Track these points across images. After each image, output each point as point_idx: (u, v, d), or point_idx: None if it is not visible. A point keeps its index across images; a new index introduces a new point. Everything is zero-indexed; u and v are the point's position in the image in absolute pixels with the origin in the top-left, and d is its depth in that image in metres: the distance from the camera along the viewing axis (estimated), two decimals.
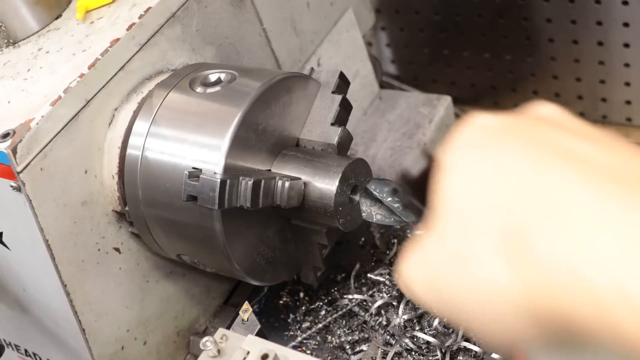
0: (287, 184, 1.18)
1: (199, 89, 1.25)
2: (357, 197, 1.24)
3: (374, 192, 1.24)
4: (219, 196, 1.10)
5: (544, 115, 0.63)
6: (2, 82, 1.30)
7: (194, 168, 1.16)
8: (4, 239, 1.27)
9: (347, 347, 1.35)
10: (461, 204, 0.58)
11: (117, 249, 1.32)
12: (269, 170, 1.25)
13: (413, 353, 1.25)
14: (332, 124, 1.28)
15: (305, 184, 1.21)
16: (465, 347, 1.23)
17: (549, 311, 0.51)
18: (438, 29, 2.22)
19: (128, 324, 1.38)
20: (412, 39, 2.29)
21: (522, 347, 0.56)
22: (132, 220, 1.29)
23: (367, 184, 1.25)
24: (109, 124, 1.28)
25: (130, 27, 1.29)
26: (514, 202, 0.55)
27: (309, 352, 1.38)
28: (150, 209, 1.25)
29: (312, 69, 1.32)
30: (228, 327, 1.28)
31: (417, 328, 1.28)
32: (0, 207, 1.22)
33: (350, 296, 1.40)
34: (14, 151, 1.14)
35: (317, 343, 1.39)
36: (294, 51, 1.70)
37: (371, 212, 1.26)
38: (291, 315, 1.46)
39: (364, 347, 1.33)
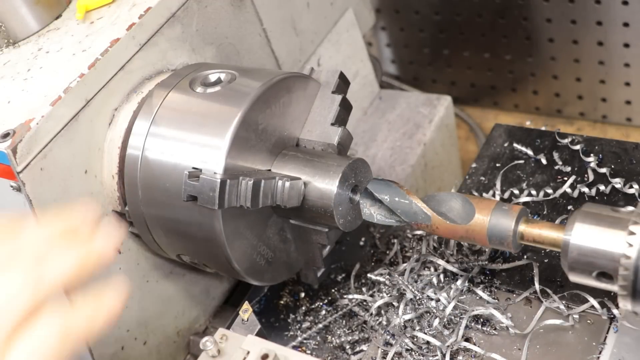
0: (287, 184, 1.18)
1: (199, 89, 1.25)
2: (357, 197, 1.24)
3: (374, 193, 1.24)
4: (219, 196, 1.10)
5: None
6: (2, 82, 1.30)
7: (194, 168, 1.16)
8: None
9: (347, 347, 1.35)
10: None
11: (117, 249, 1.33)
12: (269, 170, 1.25)
13: (413, 353, 1.25)
14: (332, 124, 1.28)
15: (305, 184, 1.21)
16: (465, 347, 1.22)
17: None
18: (438, 29, 2.22)
19: (128, 324, 1.38)
20: (412, 39, 2.29)
21: None
22: (132, 220, 1.29)
23: (367, 184, 1.25)
24: (109, 124, 1.28)
25: (130, 27, 1.29)
26: None
27: (309, 352, 1.38)
28: (150, 209, 1.25)
29: (312, 69, 1.32)
30: (228, 327, 1.27)
31: (417, 328, 1.28)
32: (0, 207, 1.22)
33: (350, 296, 1.40)
34: (14, 151, 1.14)
35: (317, 343, 1.39)
36: (294, 51, 1.70)
37: (371, 212, 1.26)
38: (291, 315, 1.46)
39: (364, 347, 1.33)
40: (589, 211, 1.08)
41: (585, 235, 1.06)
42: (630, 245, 1.02)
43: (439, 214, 1.20)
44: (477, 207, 1.17)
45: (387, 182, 1.25)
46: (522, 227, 1.14)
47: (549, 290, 1.25)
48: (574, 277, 1.10)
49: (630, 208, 1.10)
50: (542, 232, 1.13)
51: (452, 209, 1.21)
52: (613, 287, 1.05)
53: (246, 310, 1.27)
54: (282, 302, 1.50)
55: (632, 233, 1.02)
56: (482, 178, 1.49)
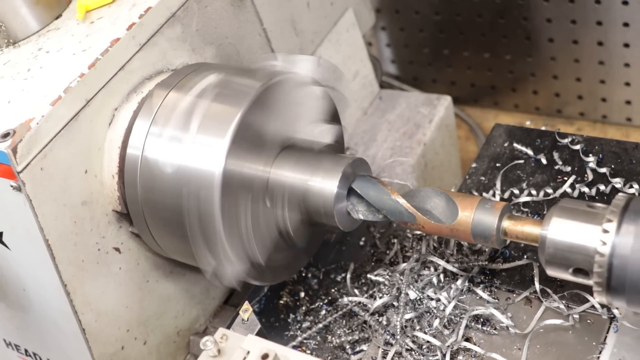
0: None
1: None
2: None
3: (359, 191, 1.24)
4: None
5: None
6: (2, 82, 1.30)
7: None
8: (4, 239, 1.27)
9: (347, 347, 1.35)
10: None
11: (117, 249, 1.32)
12: (269, 170, 1.25)
13: (413, 353, 1.25)
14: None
15: (305, 184, 1.22)
16: (465, 347, 1.22)
17: None
18: (438, 29, 2.22)
19: (128, 324, 1.38)
20: (412, 39, 2.29)
21: None
22: (132, 220, 1.29)
23: (353, 183, 1.24)
24: (109, 124, 1.28)
25: (130, 27, 1.29)
26: None
27: (309, 352, 1.38)
28: (150, 208, 1.25)
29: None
30: (228, 327, 1.27)
31: (417, 328, 1.28)
32: (0, 207, 1.22)
33: (350, 297, 1.40)
34: (14, 151, 1.14)
35: (317, 343, 1.39)
36: (294, 51, 1.70)
37: (357, 210, 1.26)
38: (291, 315, 1.46)
39: (364, 347, 1.33)
40: (566, 207, 1.09)
41: (562, 230, 1.07)
42: (604, 242, 1.02)
43: (424, 212, 1.20)
44: (460, 205, 1.17)
45: (372, 180, 1.24)
46: (506, 224, 1.15)
47: (549, 290, 1.25)
48: (551, 272, 1.10)
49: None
50: (524, 228, 1.14)
51: (437, 206, 1.21)
52: (589, 282, 1.06)
53: (246, 310, 1.27)
54: (282, 302, 1.49)
55: (605, 230, 1.02)
56: (482, 178, 1.49)
